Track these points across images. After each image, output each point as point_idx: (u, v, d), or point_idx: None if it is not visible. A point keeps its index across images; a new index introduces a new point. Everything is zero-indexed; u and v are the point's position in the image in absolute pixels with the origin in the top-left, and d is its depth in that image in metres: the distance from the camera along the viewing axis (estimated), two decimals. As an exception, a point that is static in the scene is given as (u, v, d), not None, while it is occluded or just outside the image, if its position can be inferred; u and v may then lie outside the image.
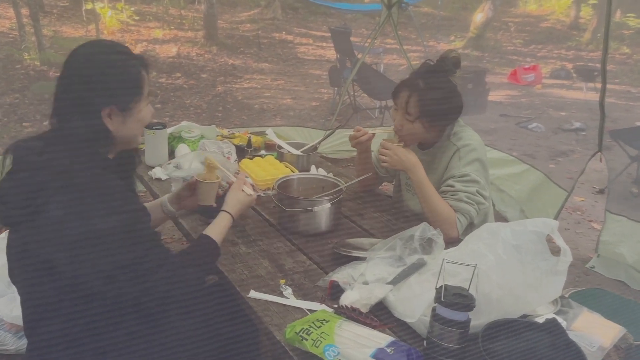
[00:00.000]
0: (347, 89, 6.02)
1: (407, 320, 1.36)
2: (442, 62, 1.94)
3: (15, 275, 1.38)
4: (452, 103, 1.95)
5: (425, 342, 1.27)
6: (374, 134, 2.17)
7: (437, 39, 12.47)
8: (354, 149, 2.24)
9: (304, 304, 1.46)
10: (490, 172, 2.05)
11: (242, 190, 1.67)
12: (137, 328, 1.40)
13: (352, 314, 1.36)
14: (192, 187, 1.79)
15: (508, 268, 1.31)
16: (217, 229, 1.58)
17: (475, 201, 1.90)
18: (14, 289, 2.34)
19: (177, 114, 6.34)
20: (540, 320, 1.31)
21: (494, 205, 3.40)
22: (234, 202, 1.66)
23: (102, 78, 1.32)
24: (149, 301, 1.35)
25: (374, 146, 2.23)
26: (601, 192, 4.74)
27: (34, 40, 7.68)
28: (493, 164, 3.96)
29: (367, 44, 5.76)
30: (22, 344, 2.27)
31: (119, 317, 1.35)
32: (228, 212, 1.63)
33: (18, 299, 2.31)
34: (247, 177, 1.83)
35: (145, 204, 1.72)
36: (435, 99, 1.90)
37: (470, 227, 1.91)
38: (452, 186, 1.92)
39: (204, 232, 1.57)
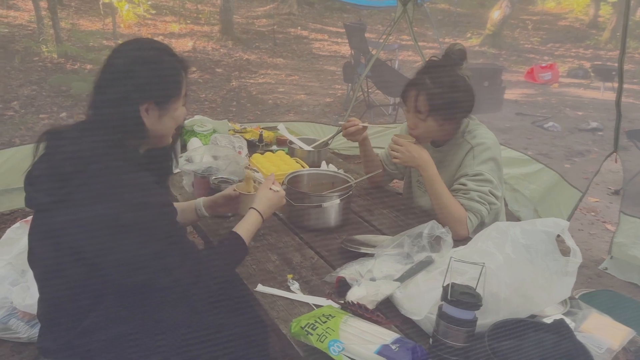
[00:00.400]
0: (360, 85, 6.00)
1: (414, 317, 1.36)
2: (447, 56, 1.93)
3: (35, 259, 1.41)
4: (463, 96, 1.93)
5: (431, 340, 1.27)
6: (365, 127, 2.17)
7: (453, 35, 12.38)
8: None
9: (311, 299, 1.46)
10: (504, 171, 2.03)
11: (271, 189, 1.67)
12: (153, 318, 1.41)
13: (358, 310, 1.36)
14: (230, 197, 1.79)
15: (517, 267, 1.30)
16: (246, 227, 1.56)
17: (487, 201, 1.88)
18: (28, 277, 2.41)
19: (191, 108, 6.38)
20: (548, 320, 1.30)
21: (506, 205, 3.37)
22: (263, 200, 1.63)
23: (144, 73, 1.36)
24: (171, 293, 1.36)
25: (385, 143, 2.22)
26: (616, 193, 4.67)
27: (52, 33, 7.77)
28: (507, 163, 3.92)
29: (382, 40, 5.73)
30: (34, 332, 2.31)
31: (137, 306, 1.37)
32: (257, 211, 1.61)
33: (31, 288, 2.37)
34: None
35: (179, 204, 1.77)
36: (444, 93, 1.88)
37: (481, 226, 1.90)
38: (464, 185, 1.91)
39: (233, 230, 1.54)
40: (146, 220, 1.28)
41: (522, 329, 1.25)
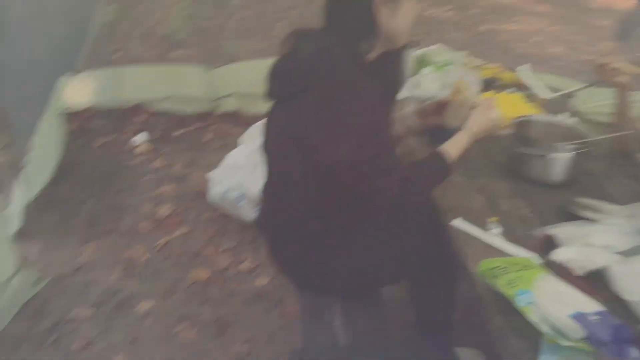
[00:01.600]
0: (637, 44, 5.11)
1: (630, 298, 1.15)
2: None
3: (268, 145, 1.58)
4: None
5: (644, 327, 1.07)
6: (619, 70, 1.75)
7: None
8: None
9: (510, 248, 1.35)
10: None
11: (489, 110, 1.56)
12: (355, 220, 1.50)
13: (562, 272, 1.21)
14: (440, 105, 1.75)
15: None
16: (454, 145, 1.48)
17: None
18: (258, 170, 2.72)
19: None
20: None
21: None
22: (478, 117, 1.53)
23: None
24: (372, 200, 1.40)
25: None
26: None
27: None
28: None
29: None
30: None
31: (344, 202, 1.45)
32: (469, 130, 1.51)
33: (260, 180, 2.68)
34: None
35: None
36: None
37: None
38: None
39: (438, 150, 1.47)
40: (368, 126, 1.33)
41: None
